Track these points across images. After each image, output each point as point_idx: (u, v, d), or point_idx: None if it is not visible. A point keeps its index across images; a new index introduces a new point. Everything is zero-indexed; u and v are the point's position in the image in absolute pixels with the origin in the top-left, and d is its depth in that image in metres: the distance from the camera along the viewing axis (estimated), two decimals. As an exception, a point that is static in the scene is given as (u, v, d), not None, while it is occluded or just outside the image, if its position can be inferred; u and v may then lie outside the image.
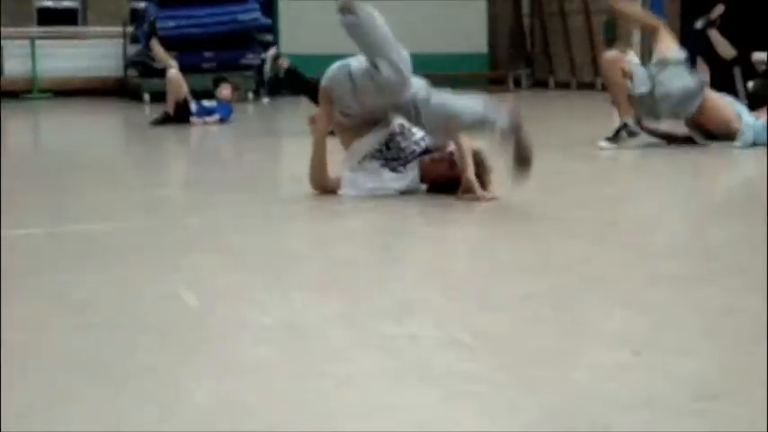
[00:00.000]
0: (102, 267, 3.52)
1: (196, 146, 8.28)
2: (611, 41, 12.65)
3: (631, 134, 7.09)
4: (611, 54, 7.56)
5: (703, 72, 9.77)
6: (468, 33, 15.40)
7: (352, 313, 2.88)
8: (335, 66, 5.05)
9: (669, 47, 7.15)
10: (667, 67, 7.04)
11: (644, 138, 7.22)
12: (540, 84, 15.95)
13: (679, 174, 6.40)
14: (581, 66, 15.12)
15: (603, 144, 7.05)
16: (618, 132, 7.07)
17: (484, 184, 4.88)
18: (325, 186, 5.04)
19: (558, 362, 2.41)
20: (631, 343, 2.55)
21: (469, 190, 4.80)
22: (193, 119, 9.40)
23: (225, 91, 9.71)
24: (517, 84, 15.79)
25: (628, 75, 7.09)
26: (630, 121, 7.05)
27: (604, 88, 11.84)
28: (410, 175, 5.01)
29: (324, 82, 5.07)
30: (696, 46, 9.37)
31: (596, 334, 2.67)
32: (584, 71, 15.08)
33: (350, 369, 2.36)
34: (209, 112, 9.53)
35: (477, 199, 4.76)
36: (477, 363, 2.41)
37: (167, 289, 3.15)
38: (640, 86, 7.01)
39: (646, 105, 7.10)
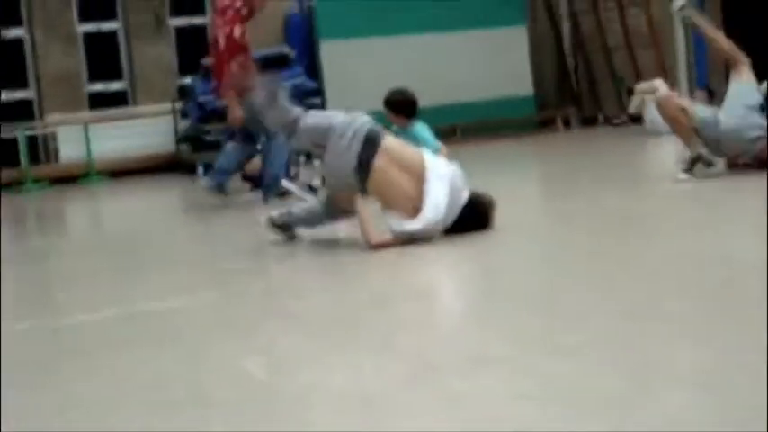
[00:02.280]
0: (171, 344, 3.56)
1: (252, 215, 8.34)
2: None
3: (708, 164, 6.88)
4: (663, 93, 7.39)
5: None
6: (513, 77, 15.42)
7: (420, 371, 2.88)
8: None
9: (746, 86, 6.99)
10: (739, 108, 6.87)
11: (720, 167, 6.99)
12: (588, 121, 15.88)
13: (747, 206, 6.25)
14: (628, 99, 15.06)
15: (681, 176, 6.88)
16: (693, 163, 6.88)
17: (488, 220, 5.21)
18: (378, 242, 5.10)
19: (629, 407, 2.38)
20: (703, 381, 2.52)
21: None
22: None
23: None
24: (566, 124, 15.73)
25: (686, 110, 6.95)
26: (704, 151, 6.85)
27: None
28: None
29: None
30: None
31: (666, 374, 2.63)
32: (632, 104, 15.01)
33: (424, 429, 2.36)
34: None
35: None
36: (547, 416, 2.39)
37: (236, 361, 3.17)
38: (705, 127, 6.87)
39: (711, 143, 6.94)
